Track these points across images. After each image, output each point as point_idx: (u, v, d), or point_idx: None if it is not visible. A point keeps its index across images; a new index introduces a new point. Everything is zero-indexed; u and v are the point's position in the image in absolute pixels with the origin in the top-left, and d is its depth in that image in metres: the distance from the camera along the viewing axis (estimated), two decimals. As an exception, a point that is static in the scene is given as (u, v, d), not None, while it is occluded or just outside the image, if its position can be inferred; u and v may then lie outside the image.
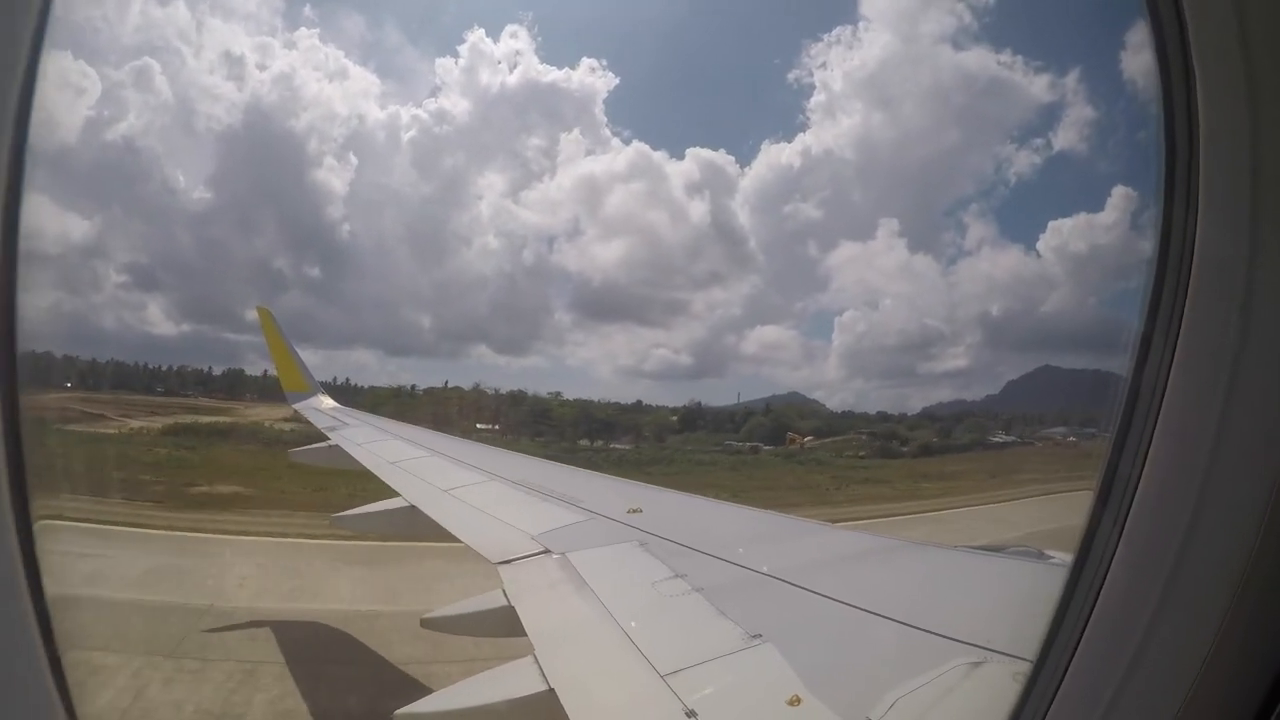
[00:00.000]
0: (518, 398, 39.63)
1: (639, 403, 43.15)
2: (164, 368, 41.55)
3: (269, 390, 37.16)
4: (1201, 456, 1.19)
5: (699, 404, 43.32)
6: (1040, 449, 38.04)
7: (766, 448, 37.72)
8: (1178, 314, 1.24)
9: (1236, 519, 1.17)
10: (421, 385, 41.94)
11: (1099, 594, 1.30)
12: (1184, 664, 1.19)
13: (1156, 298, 1.30)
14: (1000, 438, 39.96)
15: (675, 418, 41.81)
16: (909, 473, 32.75)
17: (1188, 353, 1.23)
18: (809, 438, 39.10)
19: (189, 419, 31.85)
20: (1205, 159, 1.21)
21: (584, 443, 36.13)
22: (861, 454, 37.22)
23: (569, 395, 43.80)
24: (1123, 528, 1.28)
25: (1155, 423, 1.25)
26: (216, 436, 29.78)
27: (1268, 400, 1.17)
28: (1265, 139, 1.15)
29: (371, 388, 37.92)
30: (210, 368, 42.47)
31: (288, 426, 32.45)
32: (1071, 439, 37.05)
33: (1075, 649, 1.33)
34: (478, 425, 33.57)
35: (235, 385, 40.90)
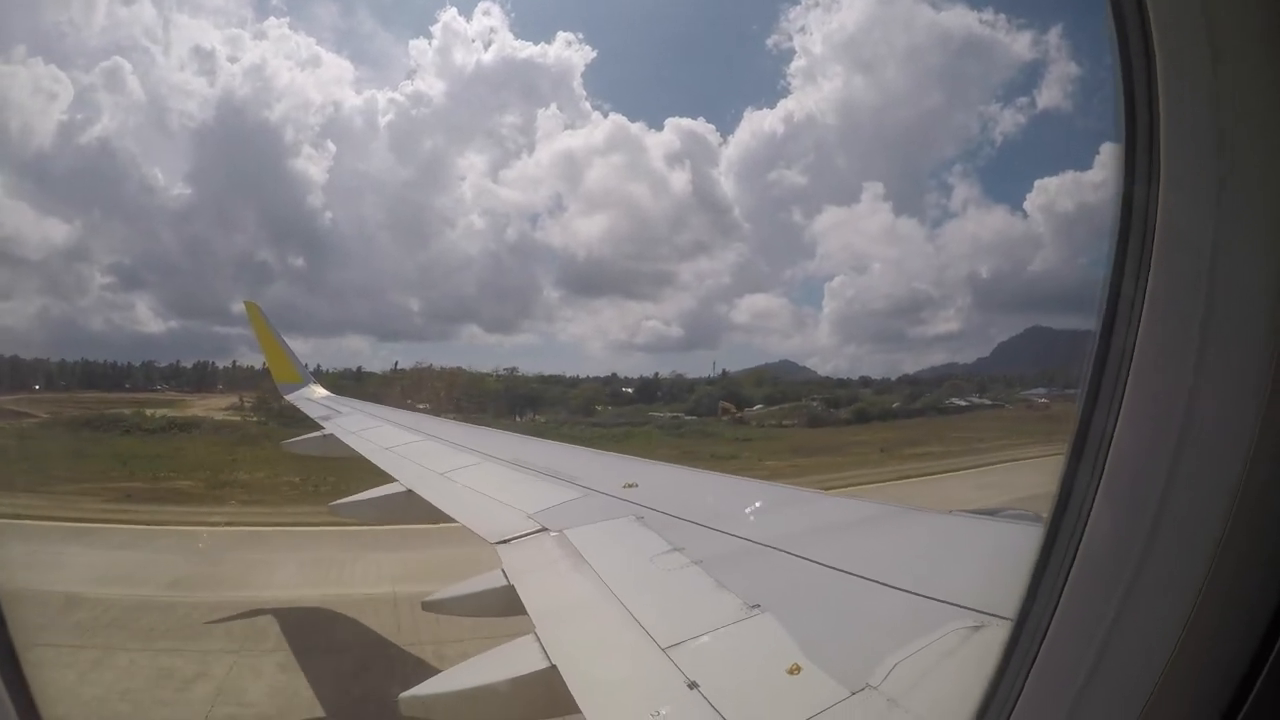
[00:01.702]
0: (454, 375, 40.50)
1: (613, 375, 45.00)
2: (133, 364, 42.23)
3: (238, 380, 38.77)
4: (1177, 411, 1.18)
5: (657, 375, 45.12)
6: (1002, 413, 38.07)
7: (689, 418, 38.41)
8: (1145, 268, 1.22)
9: (1215, 474, 1.16)
10: (385, 369, 43.22)
11: (1076, 553, 1.30)
12: (1169, 619, 1.20)
13: (1122, 252, 1.28)
14: (962, 401, 39.98)
15: (631, 390, 43.27)
16: (796, 444, 32.45)
17: (1157, 306, 1.22)
18: (758, 406, 39.55)
19: (78, 412, 34.50)
20: (1166, 113, 1.18)
21: (517, 418, 37.57)
22: (787, 422, 37.70)
23: (565, 371, 44.59)
24: (1098, 486, 1.27)
25: (1127, 378, 1.24)
26: (84, 426, 32.45)
27: (1241, 350, 1.15)
28: (1225, 89, 1.12)
29: (326, 371, 39.03)
30: (179, 361, 43.19)
31: (212, 415, 34.42)
32: (1043, 400, 37.33)
33: (1055, 608, 1.33)
34: (417, 405, 33.88)
35: (204, 378, 41.89)
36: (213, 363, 44.40)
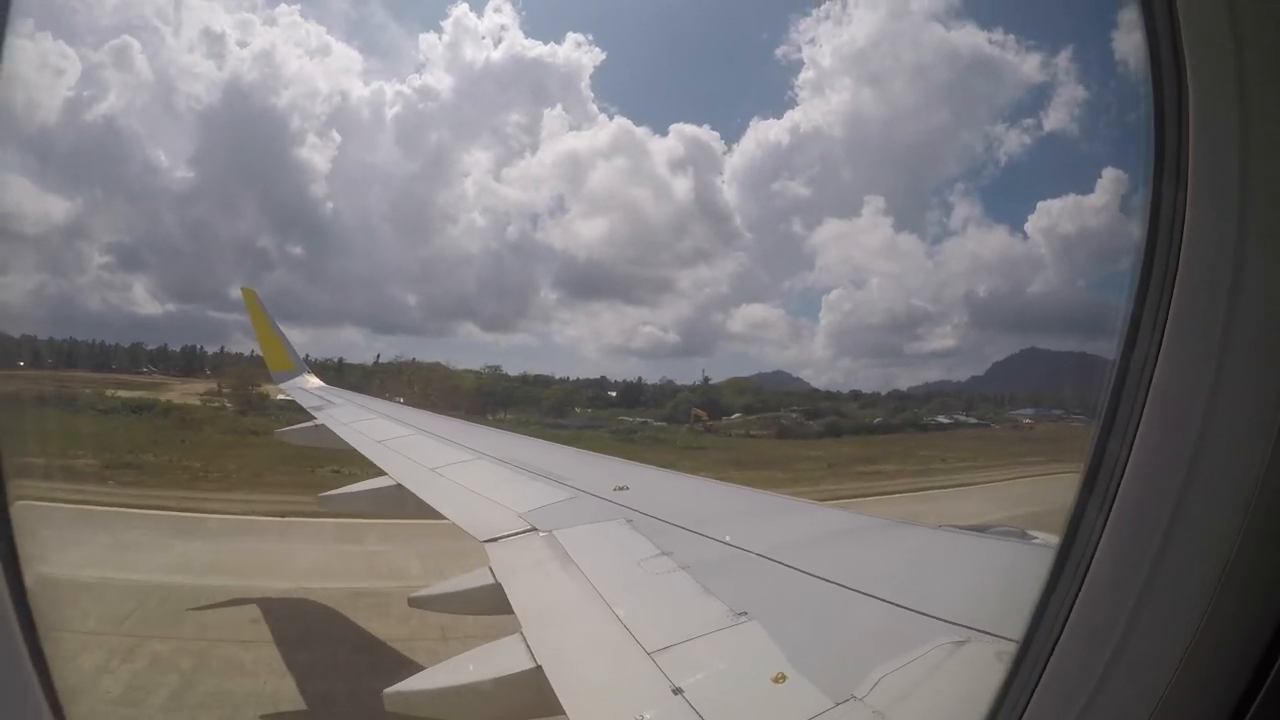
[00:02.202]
0: (433, 370, 40.94)
1: (602, 378, 45.21)
2: (121, 345, 42.11)
3: (226, 366, 38.54)
4: (1188, 440, 1.19)
5: (640, 380, 45.05)
6: (984, 432, 37.88)
7: (658, 424, 38.47)
8: (1166, 297, 1.24)
9: (1223, 503, 1.17)
10: (377, 362, 43.07)
11: (1085, 575, 1.31)
12: (1170, 645, 1.21)
13: (1145, 281, 1.29)
14: (946, 419, 39.94)
15: (614, 393, 43.84)
16: (744, 456, 31.68)
17: (1176, 336, 1.23)
18: (736, 415, 39.83)
19: (47, 389, 33.68)
20: (1195, 142, 1.20)
21: (489, 416, 37.25)
22: (755, 433, 37.52)
23: (556, 373, 44.82)
24: (1109, 510, 1.28)
25: (1143, 406, 1.25)
26: (40, 403, 31.56)
27: (1256, 385, 1.17)
28: (1254, 123, 1.14)
29: (314, 361, 38.97)
30: (166, 344, 43.00)
31: (172, 399, 33.47)
32: (1027, 421, 37.36)
33: (1061, 630, 1.34)
34: (398, 399, 34.21)
35: (191, 363, 41.84)
36: (201, 347, 44.07)
